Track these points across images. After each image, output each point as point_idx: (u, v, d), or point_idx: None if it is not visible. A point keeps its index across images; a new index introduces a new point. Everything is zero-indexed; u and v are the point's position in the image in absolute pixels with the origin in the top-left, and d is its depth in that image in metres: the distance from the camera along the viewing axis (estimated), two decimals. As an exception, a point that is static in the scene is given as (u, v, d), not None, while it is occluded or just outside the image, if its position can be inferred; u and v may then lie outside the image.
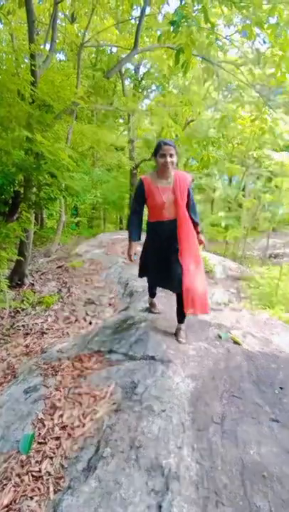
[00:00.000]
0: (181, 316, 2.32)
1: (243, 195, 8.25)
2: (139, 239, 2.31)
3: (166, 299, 2.87)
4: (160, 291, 2.73)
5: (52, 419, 1.71)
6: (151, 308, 2.77)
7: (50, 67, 4.63)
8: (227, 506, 1.26)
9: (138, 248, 2.38)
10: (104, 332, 2.52)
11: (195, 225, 2.27)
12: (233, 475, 1.38)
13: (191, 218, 2.21)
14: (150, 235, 2.30)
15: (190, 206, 2.22)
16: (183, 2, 2.83)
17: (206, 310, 2.23)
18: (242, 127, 6.00)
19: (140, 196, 2.20)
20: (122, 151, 10.19)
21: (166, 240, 2.19)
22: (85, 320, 3.23)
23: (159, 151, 2.08)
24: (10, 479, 1.43)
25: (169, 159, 2.06)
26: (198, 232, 2.30)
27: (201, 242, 2.33)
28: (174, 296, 2.31)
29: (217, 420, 1.64)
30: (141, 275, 2.50)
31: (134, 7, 5.18)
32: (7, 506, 1.32)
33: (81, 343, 2.45)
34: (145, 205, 2.26)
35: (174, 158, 2.09)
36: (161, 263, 2.24)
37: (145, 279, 2.55)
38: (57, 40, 4.67)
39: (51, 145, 3.37)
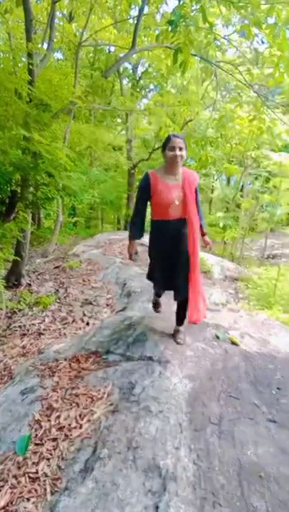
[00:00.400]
0: (180, 319, 2.30)
1: (241, 196, 8.26)
2: (141, 237, 2.18)
3: (164, 299, 2.86)
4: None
5: (49, 420, 1.70)
6: (155, 307, 2.63)
7: (47, 66, 4.62)
8: (224, 507, 1.26)
9: (138, 248, 2.29)
10: (101, 333, 2.51)
11: (201, 227, 2.18)
12: (230, 475, 1.38)
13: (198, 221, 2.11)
14: (153, 233, 2.17)
15: (197, 207, 2.11)
16: (181, 2, 2.83)
17: (205, 314, 2.21)
18: (240, 127, 6.00)
19: (145, 192, 2.06)
20: (119, 150, 10.19)
21: (171, 239, 2.08)
22: (82, 320, 3.21)
23: (168, 144, 1.97)
24: (7, 481, 1.43)
25: (178, 153, 1.95)
26: (203, 234, 2.23)
27: (207, 243, 2.26)
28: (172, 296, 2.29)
29: (214, 421, 1.64)
30: (148, 277, 2.39)
31: (133, 6, 5.17)
32: (4, 508, 1.32)
33: (78, 344, 2.44)
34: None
35: (184, 153, 1.98)
36: (167, 263, 2.13)
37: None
38: (55, 39, 4.65)
39: (49, 144, 3.36)
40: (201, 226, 2.19)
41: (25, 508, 1.31)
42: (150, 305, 2.98)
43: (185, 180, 2.04)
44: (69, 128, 5.59)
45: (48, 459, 1.50)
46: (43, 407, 1.79)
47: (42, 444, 1.57)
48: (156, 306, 2.63)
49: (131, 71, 9.98)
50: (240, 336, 2.46)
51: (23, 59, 4.30)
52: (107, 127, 10.43)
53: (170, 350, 2.15)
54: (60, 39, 6.10)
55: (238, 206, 8.10)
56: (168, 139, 1.99)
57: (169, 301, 2.61)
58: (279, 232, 10.03)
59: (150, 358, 2.07)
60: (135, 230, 2.15)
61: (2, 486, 1.40)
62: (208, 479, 1.36)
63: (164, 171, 2.06)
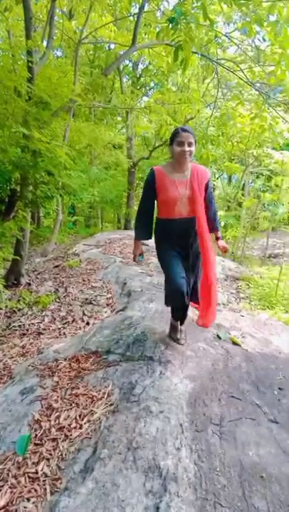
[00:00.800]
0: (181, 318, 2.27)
1: (243, 194, 8.23)
2: (148, 238, 2.06)
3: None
4: (156, 289, 2.70)
5: (49, 420, 1.69)
6: (172, 332, 2.25)
7: (47, 64, 4.59)
8: (225, 507, 1.25)
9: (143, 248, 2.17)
10: (101, 332, 2.50)
11: (215, 229, 2.05)
12: (231, 476, 1.37)
13: (211, 221, 1.97)
14: (158, 232, 2.04)
15: (209, 207, 1.98)
16: (182, -2, 2.80)
17: (214, 319, 2.14)
18: (241, 125, 5.97)
19: (150, 189, 1.94)
20: (119, 149, 10.15)
21: (177, 239, 1.96)
22: (82, 320, 3.20)
23: (176, 138, 1.82)
24: (6, 481, 1.42)
25: (187, 148, 1.81)
26: (218, 238, 2.09)
27: (224, 249, 2.07)
28: None
29: (216, 421, 1.63)
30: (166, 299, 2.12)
31: (133, 4, 5.13)
32: (4, 507, 1.31)
33: (78, 344, 2.43)
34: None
35: (193, 148, 1.84)
36: (176, 265, 1.96)
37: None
38: (54, 37, 4.64)
39: (48, 142, 3.34)
40: (215, 228, 2.04)
41: (25, 507, 1.30)
42: (150, 305, 2.97)
43: (194, 176, 1.92)
44: (69, 126, 5.58)
45: (48, 459, 1.49)
46: (42, 407, 1.78)
47: (42, 444, 1.56)
48: (173, 330, 2.24)
49: (131, 69, 9.93)
50: (242, 336, 2.45)
51: (23, 57, 4.29)
52: (107, 125, 10.40)
53: (170, 350, 2.14)
54: (59, 36, 6.07)
55: (240, 205, 8.08)
56: (176, 133, 1.84)
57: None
58: (281, 231, 9.96)
59: (150, 358, 2.06)
60: (140, 229, 2.04)
61: (2, 486, 1.39)
62: (209, 480, 1.35)
63: (172, 167, 1.93)
